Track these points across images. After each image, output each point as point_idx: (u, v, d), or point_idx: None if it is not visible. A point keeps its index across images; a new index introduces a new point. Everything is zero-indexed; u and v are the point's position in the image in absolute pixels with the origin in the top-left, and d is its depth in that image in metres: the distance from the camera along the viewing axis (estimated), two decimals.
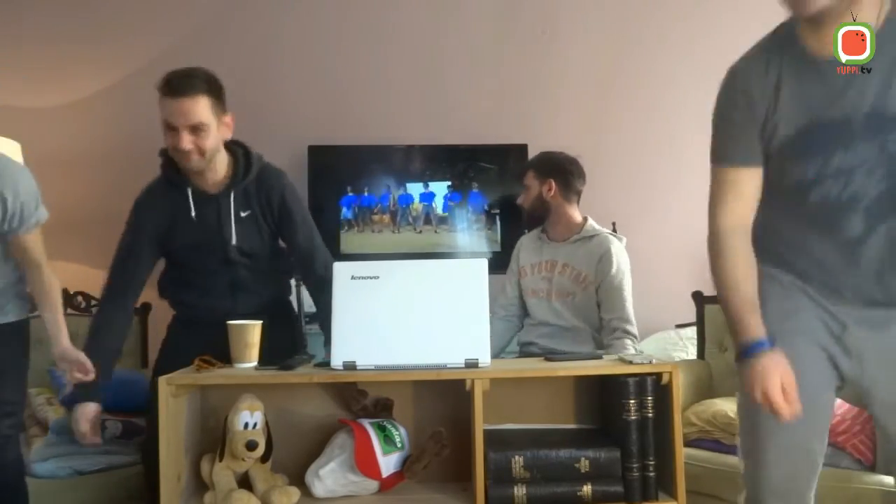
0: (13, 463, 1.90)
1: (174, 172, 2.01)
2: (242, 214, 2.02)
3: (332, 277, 1.82)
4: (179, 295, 2.13)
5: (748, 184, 1.48)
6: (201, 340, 1.81)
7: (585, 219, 2.55)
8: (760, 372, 1.40)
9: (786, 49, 1.41)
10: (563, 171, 2.52)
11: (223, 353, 1.71)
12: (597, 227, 2.53)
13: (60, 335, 1.91)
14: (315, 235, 2.13)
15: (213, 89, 1.92)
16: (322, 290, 2.02)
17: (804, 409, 1.43)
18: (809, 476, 1.55)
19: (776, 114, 1.42)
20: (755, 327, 1.44)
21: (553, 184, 2.50)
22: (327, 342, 1.89)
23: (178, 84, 1.87)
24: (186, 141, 1.89)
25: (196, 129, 1.89)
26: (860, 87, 1.34)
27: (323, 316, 2.03)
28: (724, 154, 1.50)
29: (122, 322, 2.07)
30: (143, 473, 2.09)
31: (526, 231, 2.68)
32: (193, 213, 2.00)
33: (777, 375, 1.39)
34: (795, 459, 1.53)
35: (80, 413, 1.90)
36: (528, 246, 2.61)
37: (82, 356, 1.84)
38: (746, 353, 1.44)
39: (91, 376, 1.84)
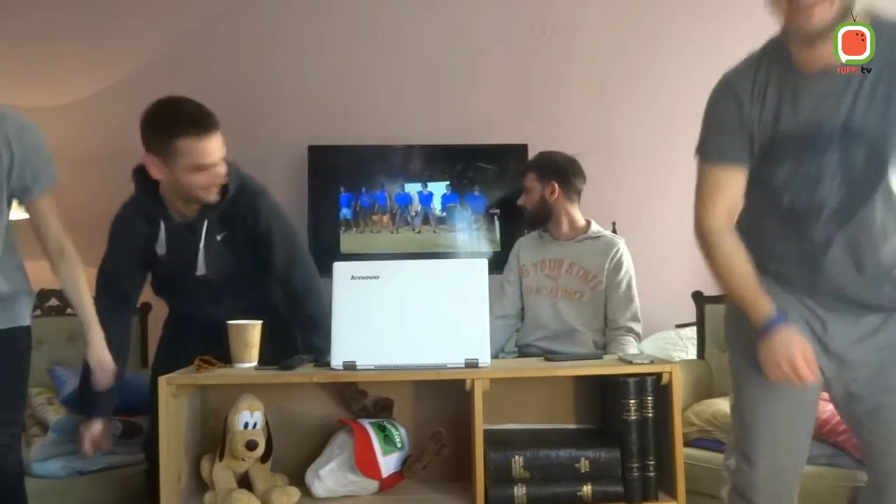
0: (13, 468, 1.89)
1: (149, 200, 1.95)
2: (218, 237, 1.96)
3: (312, 290, 1.99)
4: (168, 297, 2.15)
5: (734, 181, 1.54)
6: (198, 336, 1.81)
7: (589, 222, 2.55)
8: (782, 344, 1.46)
9: (775, 61, 1.48)
10: (564, 171, 2.52)
11: (219, 348, 1.71)
12: (602, 229, 2.54)
13: (95, 335, 1.85)
14: (296, 251, 2.06)
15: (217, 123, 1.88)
16: (297, 305, 2.03)
17: (792, 406, 1.53)
18: (793, 473, 1.61)
19: (761, 121, 1.48)
20: (766, 306, 1.50)
21: (556, 186, 2.49)
22: (305, 350, 1.93)
23: (202, 121, 1.83)
24: (222, 175, 1.87)
25: (220, 163, 1.87)
26: (838, 100, 1.40)
27: (302, 326, 2.04)
28: (711, 151, 1.56)
29: (123, 329, 2.05)
30: (147, 472, 2.09)
31: (526, 231, 2.68)
32: (164, 249, 1.96)
33: (798, 345, 1.46)
34: (781, 454, 1.58)
35: (86, 428, 1.95)
36: (528, 245, 2.60)
37: (113, 365, 1.85)
38: (765, 329, 1.49)
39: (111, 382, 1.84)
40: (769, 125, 1.48)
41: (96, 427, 1.96)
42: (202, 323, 1.99)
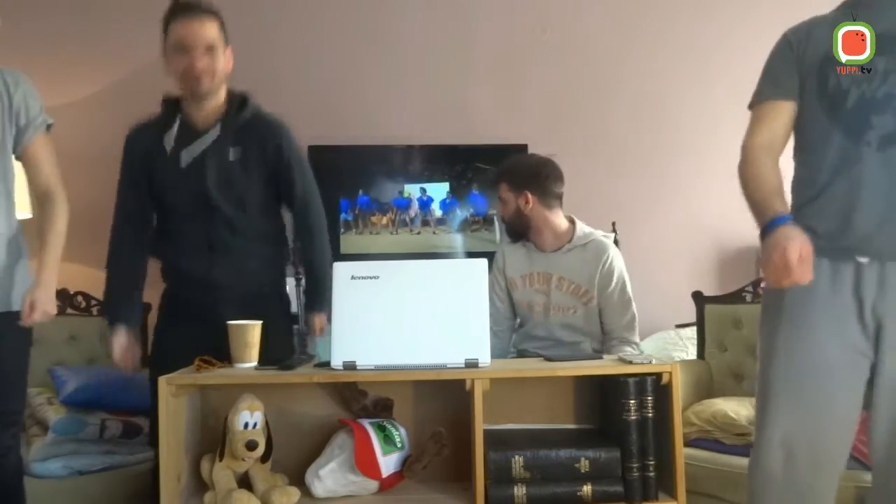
0: (14, 467, 1.89)
1: (171, 105, 2.00)
2: (231, 155, 1.96)
3: (324, 229, 2.05)
4: (161, 253, 2.07)
5: (779, 114, 1.64)
6: (190, 331, 1.85)
7: (573, 221, 2.40)
8: (782, 236, 1.47)
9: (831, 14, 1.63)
10: (537, 177, 2.35)
11: (213, 349, 1.70)
12: (586, 228, 2.39)
13: (46, 278, 1.84)
14: (313, 188, 2.07)
15: (219, 15, 1.95)
16: (310, 242, 2.04)
17: (820, 372, 1.54)
18: (818, 429, 1.57)
19: (806, 52, 1.61)
20: (779, 207, 1.54)
21: (529, 196, 2.32)
22: (307, 298, 2.00)
23: (191, 6, 1.91)
24: (203, 61, 1.89)
25: (209, 50, 1.90)
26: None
27: (307, 266, 2.05)
28: (759, 94, 1.69)
29: (138, 247, 2.06)
30: (153, 469, 2.10)
31: (508, 240, 2.49)
32: (169, 150, 1.96)
33: (798, 240, 1.45)
34: (801, 408, 1.57)
35: (112, 342, 1.98)
36: (513, 255, 2.44)
37: (46, 309, 1.82)
38: (770, 225, 1.51)
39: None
40: (820, 41, 1.59)
41: (120, 335, 1.98)
42: (195, 309, 1.97)
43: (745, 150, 1.65)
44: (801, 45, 1.63)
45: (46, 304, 1.82)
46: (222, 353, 1.70)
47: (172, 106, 2.00)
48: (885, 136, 1.51)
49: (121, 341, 1.99)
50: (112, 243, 2.06)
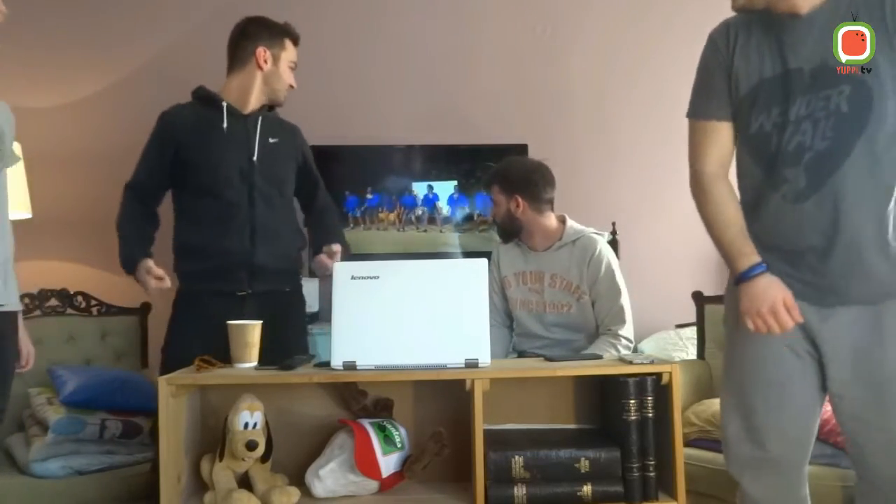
0: None
1: (210, 92, 2.23)
2: (271, 140, 2.24)
3: (332, 205, 2.37)
4: (195, 238, 2.18)
5: (722, 134, 1.60)
6: (209, 316, 1.94)
7: (563, 220, 2.45)
8: (764, 288, 1.48)
9: (753, 15, 1.54)
10: (528, 182, 2.40)
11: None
12: (577, 226, 2.43)
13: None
14: (319, 175, 2.44)
15: None
16: (322, 216, 2.39)
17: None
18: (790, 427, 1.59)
19: (733, 65, 1.55)
20: (752, 254, 1.53)
21: (520, 200, 2.38)
22: (325, 234, 2.31)
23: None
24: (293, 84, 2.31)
25: None
26: (813, 40, 1.45)
27: (328, 221, 2.40)
28: (698, 109, 1.63)
29: (146, 216, 2.23)
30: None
31: (500, 241, 2.56)
32: (225, 125, 2.18)
33: (780, 291, 1.48)
34: (774, 399, 1.57)
35: (139, 273, 2.07)
36: (506, 254, 2.51)
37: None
38: (746, 274, 1.51)
39: None
40: (743, 70, 1.53)
41: (146, 265, 2.06)
42: (218, 296, 2.11)
43: (699, 179, 1.61)
44: (729, 52, 1.56)
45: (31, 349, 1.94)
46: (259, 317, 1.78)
47: (214, 97, 2.22)
48: (798, 191, 1.48)
49: (148, 268, 2.06)
50: (121, 212, 2.21)
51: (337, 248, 2.18)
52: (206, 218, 2.16)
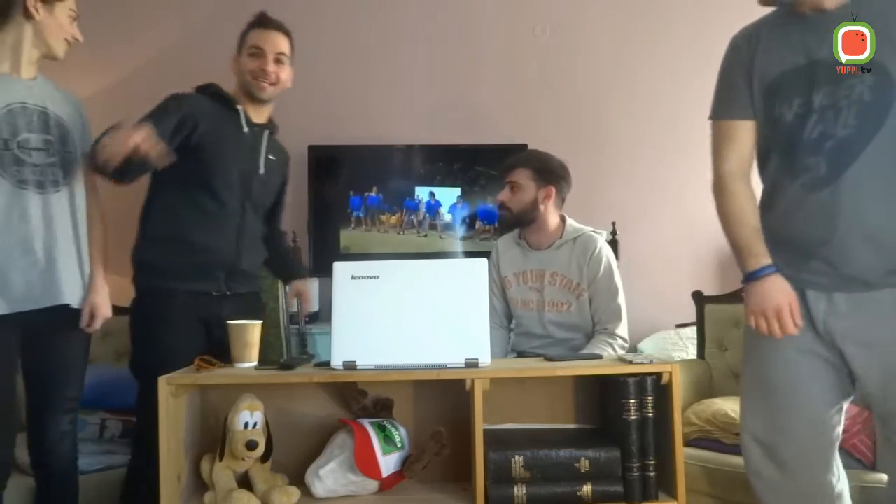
0: (69, 452, 1.98)
1: (225, 92, 2.13)
2: (271, 157, 2.19)
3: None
4: (179, 230, 2.04)
5: (742, 133, 1.63)
6: (189, 316, 1.99)
7: (563, 219, 2.46)
8: (771, 290, 1.52)
9: (775, 13, 1.60)
10: (559, 178, 2.43)
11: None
12: (576, 224, 2.45)
13: (97, 279, 1.97)
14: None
15: (291, 36, 2.17)
16: (279, 239, 2.37)
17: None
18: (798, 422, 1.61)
19: (754, 62, 1.59)
20: (763, 255, 1.57)
21: (553, 192, 2.40)
22: (290, 270, 2.40)
23: (270, 20, 2.14)
24: (272, 66, 2.09)
25: (278, 60, 2.11)
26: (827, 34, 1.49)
27: (284, 251, 2.40)
28: (719, 110, 1.67)
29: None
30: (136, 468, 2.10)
31: (497, 233, 2.57)
32: (245, 129, 2.11)
33: (787, 293, 1.53)
34: (767, 407, 1.62)
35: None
36: (507, 254, 2.50)
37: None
38: (756, 274, 1.55)
39: None
40: (764, 62, 1.57)
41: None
42: (201, 302, 2.05)
43: (720, 179, 1.65)
44: (750, 51, 1.61)
45: (104, 308, 1.95)
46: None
47: (230, 98, 2.13)
48: (817, 179, 1.50)
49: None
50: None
51: (304, 286, 2.35)
52: (197, 213, 2.05)
